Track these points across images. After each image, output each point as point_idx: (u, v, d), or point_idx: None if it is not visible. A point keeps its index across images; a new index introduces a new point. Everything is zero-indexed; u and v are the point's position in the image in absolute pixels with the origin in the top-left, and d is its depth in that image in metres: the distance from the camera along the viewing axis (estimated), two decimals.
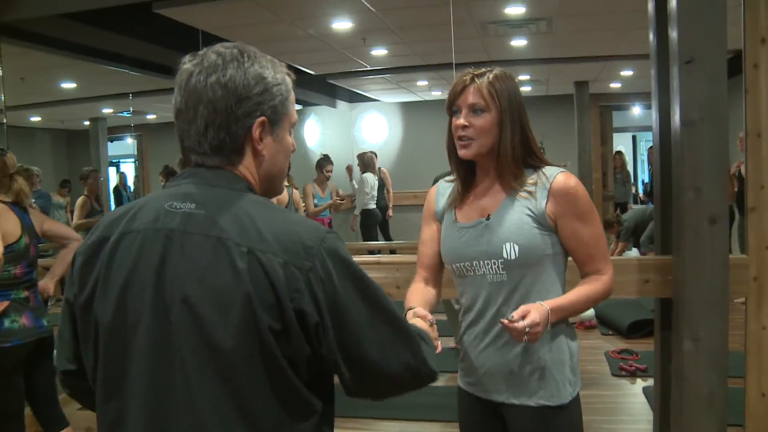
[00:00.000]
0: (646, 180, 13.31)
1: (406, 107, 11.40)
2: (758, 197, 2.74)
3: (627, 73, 8.69)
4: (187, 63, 1.22)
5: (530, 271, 1.76)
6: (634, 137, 15.52)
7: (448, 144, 1.85)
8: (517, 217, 1.76)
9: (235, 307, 1.08)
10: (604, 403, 4.30)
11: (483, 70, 1.79)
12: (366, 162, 8.75)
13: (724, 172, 2.57)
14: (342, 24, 5.54)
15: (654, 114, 3.04)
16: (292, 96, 1.27)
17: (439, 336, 1.59)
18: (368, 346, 1.16)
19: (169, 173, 7.31)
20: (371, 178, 8.63)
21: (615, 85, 10.02)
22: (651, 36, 3.05)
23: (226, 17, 5.04)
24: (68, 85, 7.59)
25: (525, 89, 9.22)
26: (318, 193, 7.02)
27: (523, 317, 1.62)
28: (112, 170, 11.59)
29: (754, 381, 2.79)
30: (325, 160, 7.20)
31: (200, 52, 1.22)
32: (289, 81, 1.26)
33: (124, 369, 1.14)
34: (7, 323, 2.94)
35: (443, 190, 1.96)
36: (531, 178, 1.78)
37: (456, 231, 1.86)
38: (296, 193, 6.00)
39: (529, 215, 1.75)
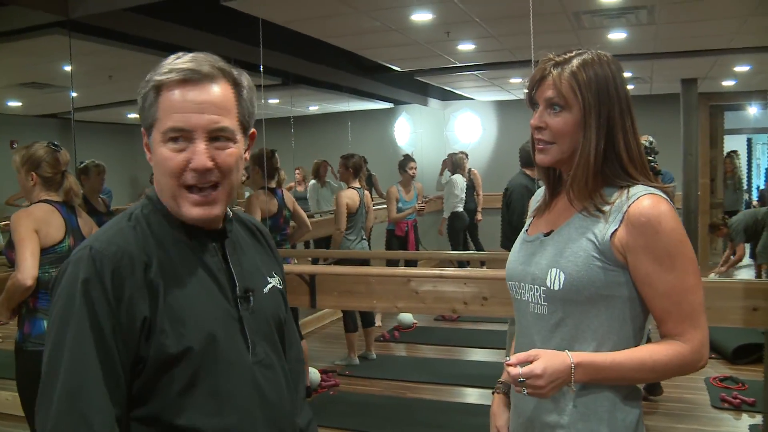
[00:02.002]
0: (762, 186, 12.45)
1: (501, 106, 11.12)
2: None
3: (742, 68, 8.03)
4: None
5: (577, 310, 1.39)
6: (749, 140, 14.62)
7: (530, 143, 1.52)
8: (574, 240, 1.40)
9: None
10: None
11: (570, 54, 1.43)
12: (456, 163, 8.54)
13: None
14: (421, 15, 5.26)
15: None
16: (160, 98, 1.21)
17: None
18: None
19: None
20: (460, 180, 8.41)
21: (728, 83, 9.32)
22: None
23: (297, 9, 4.87)
24: None
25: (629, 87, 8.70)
26: (402, 195, 6.77)
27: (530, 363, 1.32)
28: None
29: None
30: (406, 159, 6.97)
31: None
32: (152, 83, 1.21)
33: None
34: (46, 325, 2.81)
35: (537, 196, 1.67)
36: (611, 197, 1.40)
37: (519, 243, 1.58)
38: (367, 195, 5.76)
39: (590, 240, 1.38)
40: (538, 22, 4.53)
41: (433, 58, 7.07)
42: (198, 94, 1.20)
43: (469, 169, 9.00)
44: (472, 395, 4.87)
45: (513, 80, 8.93)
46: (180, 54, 1.24)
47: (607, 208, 1.39)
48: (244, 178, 4.40)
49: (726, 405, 4.25)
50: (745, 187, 11.49)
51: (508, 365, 1.32)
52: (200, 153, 1.19)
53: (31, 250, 2.79)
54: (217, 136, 1.21)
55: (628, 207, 1.36)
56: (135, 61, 6.24)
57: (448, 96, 10.81)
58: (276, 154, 4.85)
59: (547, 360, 1.31)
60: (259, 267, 1.39)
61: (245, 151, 1.30)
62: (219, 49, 5.61)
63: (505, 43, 6.33)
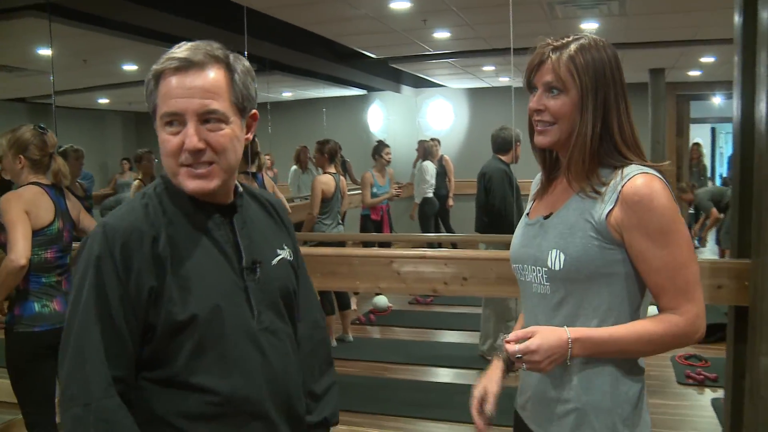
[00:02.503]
0: (725, 174, 12.75)
1: (473, 93, 11.22)
2: None
3: (708, 59, 8.25)
4: None
5: (578, 288, 1.44)
6: (713, 129, 14.99)
7: (528, 127, 1.57)
8: (573, 221, 1.45)
9: None
10: (667, 414, 4.01)
11: (567, 39, 1.47)
12: (427, 149, 8.68)
13: None
14: (399, 3, 5.35)
15: (735, 102, 2.75)
16: (159, 86, 1.31)
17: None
18: None
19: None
20: (431, 166, 8.54)
21: (694, 73, 9.56)
22: (736, 17, 2.75)
23: None
24: (130, 67, 7.64)
25: None
26: (377, 181, 6.85)
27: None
28: None
29: None
30: (381, 145, 7.03)
31: None
32: (153, 73, 1.32)
33: None
34: (37, 307, 2.90)
35: (536, 182, 1.69)
36: (606, 178, 1.44)
37: (521, 227, 1.63)
38: (343, 181, 5.83)
39: (588, 221, 1.42)
40: (514, 11, 4.65)
41: (408, 45, 7.16)
42: (190, 81, 1.28)
43: (441, 156, 9.12)
44: (447, 375, 5.01)
45: (486, 68, 9.05)
46: (182, 44, 1.32)
47: (602, 188, 1.43)
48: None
49: (690, 381, 4.43)
50: (709, 174, 11.79)
51: (507, 342, 1.38)
52: (191, 135, 1.28)
53: (22, 232, 2.81)
54: (208, 119, 1.30)
55: (623, 186, 1.39)
56: (111, 46, 6.22)
57: (420, 83, 10.89)
58: (256, 139, 4.88)
59: (543, 337, 1.37)
60: (269, 240, 1.48)
61: (247, 132, 1.40)
62: (200, 35, 5.64)
63: (479, 31, 6.44)
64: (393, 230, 7.43)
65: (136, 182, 6.58)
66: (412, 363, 5.19)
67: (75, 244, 3.31)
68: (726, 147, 15.09)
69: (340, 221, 5.73)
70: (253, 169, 4.79)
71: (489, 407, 1.54)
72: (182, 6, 5.06)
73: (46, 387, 2.98)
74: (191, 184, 1.32)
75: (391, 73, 9.63)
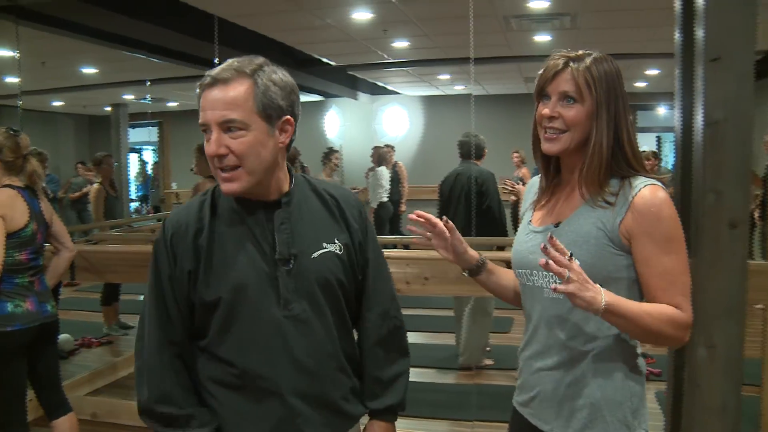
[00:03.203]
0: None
1: (428, 101, 11.39)
2: None
3: (653, 72, 8.58)
4: None
5: None
6: (658, 138, 15.31)
7: (533, 134, 1.63)
8: (586, 230, 1.53)
9: None
10: None
11: (581, 52, 1.54)
12: (381, 155, 8.83)
13: (748, 175, 2.49)
14: (362, 14, 5.50)
15: (676, 114, 2.95)
16: (198, 102, 1.50)
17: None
18: None
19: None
20: (385, 172, 8.73)
21: (640, 84, 9.90)
22: (677, 33, 2.95)
23: (244, 5, 5.00)
24: (89, 71, 7.60)
25: None
26: None
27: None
28: (133, 156, 11.63)
29: None
30: (330, 151, 7.12)
31: None
32: (197, 89, 1.51)
33: None
34: (10, 307, 2.93)
35: (532, 186, 1.76)
36: (614, 188, 1.53)
37: (526, 234, 1.68)
38: None
39: (600, 229, 1.51)
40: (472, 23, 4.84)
41: (367, 53, 7.30)
42: (213, 95, 1.46)
43: (395, 162, 9.30)
44: (412, 374, 5.11)
45: (442, 76, 9.24)
46: (229, 60, 1.52)
47: (613, 199, 1.50)
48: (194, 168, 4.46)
49: None
50: None
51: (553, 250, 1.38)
52: (212, 142, 1.46)
53: None
54: (229, 127, 1.45)
55: (633, 197, 1.48)
56: (73, 49, 6.20)
57: (377, 90, 11.02)
58: None
59: (590, 282, 1.39)
60: (317, 233, 1.60)
61: (282, 136, 1.53)
62: (170, 42, 5.69)
63: (437, 41, 6.62)
64: None
65: (95, 185, 6.53)
66: None
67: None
68: (670, 155, 15.49)
69: None
70: None
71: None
72: (155, 13, 5.11)
73: (17, 386, 3.01)
74: (224, 186, 1.51)
75: (348, 79, 9.74)
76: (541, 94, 1.58)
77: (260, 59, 1.52)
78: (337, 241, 1.62)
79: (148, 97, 9.21)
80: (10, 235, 2.90)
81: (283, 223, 1.56)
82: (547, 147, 1.57)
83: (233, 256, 1.53)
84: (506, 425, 1.78)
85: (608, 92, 1.51)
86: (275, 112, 1.50)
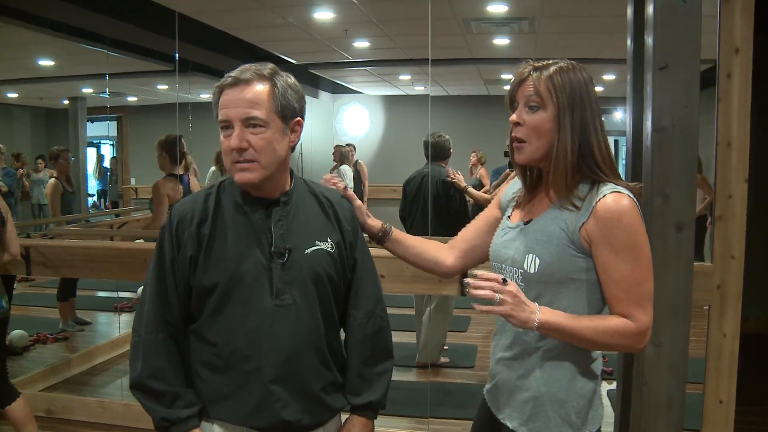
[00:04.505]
0: (624, 177, 13.30)
1: (389, 101, 11.40)
2: (725, 206, 2.75)
3: (609, 77, 8.74)
4: None
5: (548, 291, 1.57)
6: (616, 141, 15.52)
7: (509, 144, 1.66)
8: (550, 230, 1.57)
9: None
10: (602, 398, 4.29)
11: (548, 61, 1.58)
12: (343, 154, 8.84)
13: (693, 180, 2.57)
14: (323, 14, 5.51)
15: (628, 119, 3.03)
16: (218, 98, 1.62)
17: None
18: None
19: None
20: (348, 171, 8.73)
21: (597, 89, 10.01)
22: (629, 41, 3.03)
23: (209, 2, 4.99)
24: (46, 63, 7.47)
25: (505, 88, 9.21)
26: None
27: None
28: (91, 151, 11.44)
29: (712, 387, 2.81)
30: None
31: None
32: (218, 87, 1.62)
33: None
34: None
35: (515, 183, 1.80)
36: (583, 192, 1.56)
37: (503, 228, 1.74)
38: None
39: (563, 230, 1.54)
40: (432, 25, 4.89)
41: (329, 52, 7.32)
42: (237, 94, 1.59)
43: (356, 161, 9.33)
44: None
45: (402, 77, 9.28)
46: (242, 66, 1.63)
47: (580, 203, 1.53)
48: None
49: None
50: None
51: (480, 276, 1.48)
52: (235, 136, 1.58)
53: None
54: (250, 124, 1.58)
55: (597, 202, 1.50)
56: (29, 40, 6.09)
57: (338, 89, 11.02)
58: (182, 140, 4.85)
59: (522, 295, 1.49)
60: (311, 231, 1.71)
61: (293, 135, 1.67)
62: (130, 36, 5.62)
63: (398, 42, 6.65)
64: None
65: (52, 180, 6.40)
66: None
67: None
68: (627, 158, 15.71)
69: None
70: (180, 171, 4.76)
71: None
72: (115, 7, 5.06)
73: None
74: (238, 176, 1.60)
75: (310, 78, 9.72)
76: (512, 104, 1.63)
77: (271, 65, 1.65)
78: (329, 240, 1.73)
79: (107, 91, 9.07)
80: None
81: (281, 220, 1.67)
82: (516, 158, 1.64)
83: (233, 246, 1.63)
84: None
85: (572, 99, 1.54)
86: (290, 112, 1.64)
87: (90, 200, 10.94)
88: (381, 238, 1.92)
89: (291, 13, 5.46)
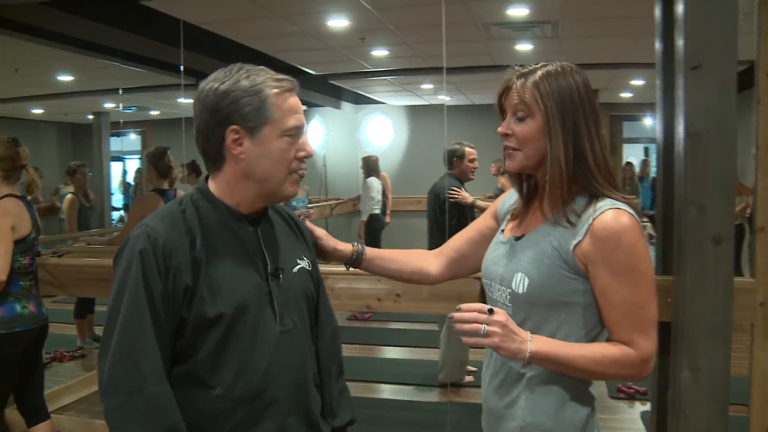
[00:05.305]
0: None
1: (412, 111, 11.31)
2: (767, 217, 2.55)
3: (638, 82, 8.54)
4: None
5: (537, 313, 1.46)
6: (646, 149, 15.39)
7: (504, 152, 1.58)
8: (542, 247, 1.46)
9: None
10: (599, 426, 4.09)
11: (535, 66, 1.48)
12: (371, 165, 8.53)
13: (732, 189, 2.38)
14: (338, 21, 5.39)
15: (658, 125, 2.87)
16: (272, 103, 1.42)
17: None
18: None
19: (193, 167, 6.97)
20: (376, 183, 8.41)
21: (626, 95, 9.86)
22: (657, 43, 2.88)
23: (217, 11, 4.91)
24: (65, 78, 7.47)
25: None
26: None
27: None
28: (116, 165, 11.50)
29: (758, 413, 2.60)
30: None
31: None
32: (267, 91, 1.42)
33: None
34: (18, 308, 3.10)
35: (511, 196, 1.71)
36: (580, 207, 1.45)
37: (495, 243, 1.65)
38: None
39: (556, 249, 1.43)
40: (450, 31, 4.73)
41: (347, 62, 7.20)
42: (298, 101, 1.49)
43: (380, 173, 9.13)
44: (386, 391, 5.05)
45: (424, 86, 9.15)
46: (241, 65, 1.47)
47: (575, 219, 1.43)
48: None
49: (621, 395, 4.56)
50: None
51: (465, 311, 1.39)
52: (307, 143, 1.50)
53: (5, 248, 3.01)
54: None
55: (593, 220, 1.40)
56: (46, 56, 6.09)
57: (360, 99, 10.93)
58: (168, 153, 4.55)
59: (510, 319, 1.40)
60: (289, 250, 1.58)
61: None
62: (136, 47, 5.57)
63: (417, 50, 6.52)
64: None
65: (69, 195, 6.40)
66: (351, 379, 5.15)
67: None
68: (659, 166, 15.52)
69: None
70: (165, 186, 4.49)
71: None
72: (119, 18, 4.98)
73: (6, 390, 3.13)
74: (292, 189, 1.50)
75: (331, 89, 9.64)
76: (501, 111, 1.54)
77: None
78: (306, 258, 1.63)
79: (125, 105, 9.07)
80: (17, 242, 3.09)
81: (267, 238, 1.53)
82: (507, 165, 1.55)
83: (231, 268, 1.44)
84: None
85: (561, 105, 1.44)
86: None
87: (116, 214, 11.01)
88: (356, 261, 1.80)
89: (302, 21, 5.33)
